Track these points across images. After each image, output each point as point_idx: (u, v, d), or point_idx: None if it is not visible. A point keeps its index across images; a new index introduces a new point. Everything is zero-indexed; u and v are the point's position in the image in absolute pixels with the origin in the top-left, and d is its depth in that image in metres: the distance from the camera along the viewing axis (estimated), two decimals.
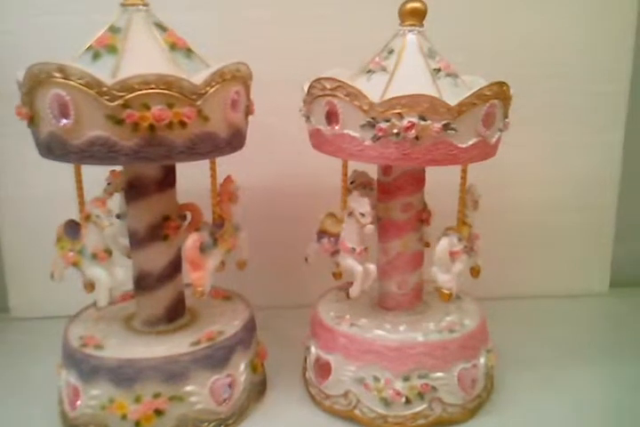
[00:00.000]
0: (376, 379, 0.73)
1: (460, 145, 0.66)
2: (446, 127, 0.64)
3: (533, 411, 0.78)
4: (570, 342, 0.96)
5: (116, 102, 0.58)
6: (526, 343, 0.95)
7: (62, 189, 0.75)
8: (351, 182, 0.81)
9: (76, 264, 0.69)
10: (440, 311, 0.80)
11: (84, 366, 0.70)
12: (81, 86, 0.58)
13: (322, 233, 0.77)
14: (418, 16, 0.71)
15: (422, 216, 0.79)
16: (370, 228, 0.71)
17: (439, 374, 0.73)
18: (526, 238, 1.09)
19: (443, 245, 0.73)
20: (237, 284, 0.87)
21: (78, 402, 0.71)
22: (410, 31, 0.71)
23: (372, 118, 0.65)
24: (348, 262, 0.74)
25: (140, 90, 0.58)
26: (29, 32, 0.92)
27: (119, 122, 0.59)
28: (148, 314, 0.76)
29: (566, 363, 0.89)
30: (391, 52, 0.71)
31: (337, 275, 0.80)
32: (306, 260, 0.81)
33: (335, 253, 0.75)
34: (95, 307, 0.73)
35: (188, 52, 0.67)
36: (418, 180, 0.77)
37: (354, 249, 0.73)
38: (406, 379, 0.72)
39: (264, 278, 1.02)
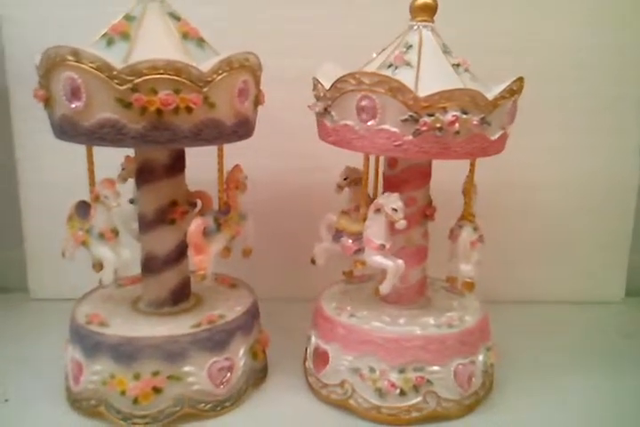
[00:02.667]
0: (372, 370, 0.73)
1: (491, 138, 0.68)
2: (482, 121, 0.65)
3: (531, 413, 0.77)
4: (580, 349, 0.94)
5: (125, 86, 0.60)
6: (535, 348, 0.93)
7: (81, 174, 0.77)
8: (344, 179, 0.81)
9: (84, 243, 0.72)
10: (442, 307, 0.81)
11: (88, 342, 0.72)
12: (92, 70, 0.60)
13: (339, 232, 0.76)
14: (429, 11, 0.71)
15: (427, 211, 0.79)
16: (402, 223, 0.70)
17: (435, 368, 0.73)
18: (540, 242, 1.08)
19: (464, 237, 0.75)
20: (246, 276, 0.89)
21: (81, 377, 0.73)
22: (424, 27, 0.71)
23: (415, 113, 0.64)
24: (377, 259, 0.73)
25: (149, 75, 0.60)
26: (49, 24, 0.95)
27: (128, 105, 0.61)
28: (153, 296, 0.78)
29: (574, 369, 0.88)
30: (410, 47, 0.71)
31: (348, 273, 0.79)
32: (312, 262, 0.80)
33: (358, 251, 0.74)
34: (101, 286, 0.75)
35: (200, 41, 0.68)
36: (424, 174, 0.77)
37: (383, 246, 0.72)
38: (401, 371, 0.72)
39: (273, 271, 1.03)
